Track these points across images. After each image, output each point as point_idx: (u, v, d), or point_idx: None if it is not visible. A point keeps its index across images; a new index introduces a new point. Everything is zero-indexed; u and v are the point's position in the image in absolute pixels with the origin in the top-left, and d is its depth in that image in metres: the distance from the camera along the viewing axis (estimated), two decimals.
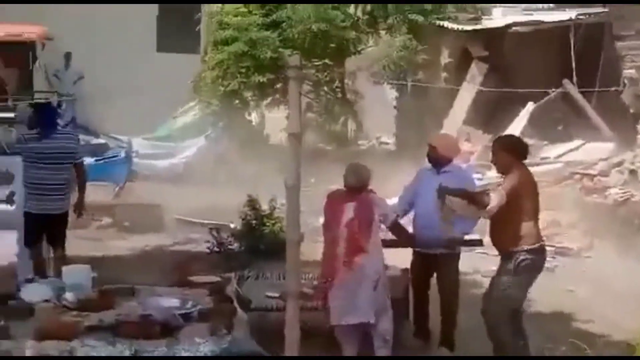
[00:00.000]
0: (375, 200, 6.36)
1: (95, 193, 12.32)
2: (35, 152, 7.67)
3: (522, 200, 6.28)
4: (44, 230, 7.86)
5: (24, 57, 12.69)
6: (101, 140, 14.83)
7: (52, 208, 7.72)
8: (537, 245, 6.32)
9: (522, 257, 6.28)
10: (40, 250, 7.89)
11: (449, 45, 15.97)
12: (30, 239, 7.85)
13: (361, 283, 6.16)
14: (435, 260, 7.11)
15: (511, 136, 7.11)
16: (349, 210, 6.27)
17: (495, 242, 6.47)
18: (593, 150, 13.37)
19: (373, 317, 6.22)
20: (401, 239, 6.65)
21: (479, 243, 7.28)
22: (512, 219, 6.26)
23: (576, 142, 13.73)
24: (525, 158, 6.53)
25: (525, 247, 6.27)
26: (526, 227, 6.27)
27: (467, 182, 6.97)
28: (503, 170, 6.49)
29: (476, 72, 15.09)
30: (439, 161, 7.08)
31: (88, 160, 13.12)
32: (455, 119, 14.99)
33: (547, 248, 10.30)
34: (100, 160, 13.53)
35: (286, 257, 5.06)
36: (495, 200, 6.19)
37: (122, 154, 13.97)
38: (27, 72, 12.93)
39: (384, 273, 6.40)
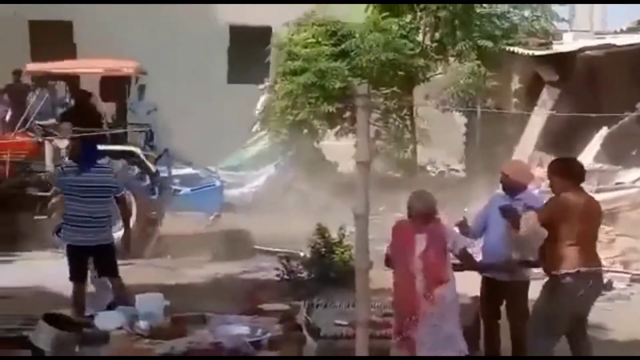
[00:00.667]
0: (445, 229, 6.33)
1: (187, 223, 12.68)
2: (72, 184, 7.82)
3: (561, 224, 6.28)
4: (84, 264, 7.88)
5: (122, 91, 13.05)
6: (194, 170, 15.05)
7: (87, 240, 7.80)
8: (573, 270, 6.23)
9: (556, 281, 6.32)
10: (82, 289, 7.87)
11: (519, 71, 15.84)
12: (72, 272, 7.88)
13: (445, 315, 6.07)
14: (505, 288, 7.03)
15: (565, 160, 6.97)
16: (420, 242, 6.16)
17: (542, 265, 6.55)
18: None
19: (466, 348, 6.16)
20: (469, 265, 6.60)
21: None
22: (553, 243, 6.35)
23: None
24: (580, 182, 6.50)
25: (563, 272, 6.26)
26: (566, 251, 6.25)
27: (537, 208, 6.88)
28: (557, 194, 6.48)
29: (547, 97, 14.93)
30: (512, 188, 7.06)
31: (185, 190, 13.54)
32: (526, 145, 14.82)
33: (623, 275, 10.33)
34: (196, 189, 13.72)
35: (355, 285, 5.07)
36: (523, 224, 6.38)
37: (217, 183, 14.14)
38: (123, 105, 13.30)
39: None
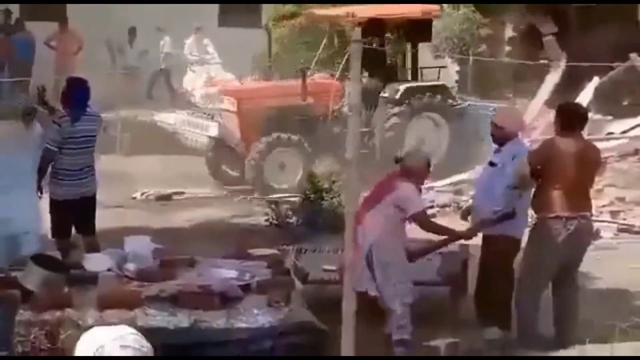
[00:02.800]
0: (400, 190, 6.29)
1: None
2: (67, 137, 7.35)
3: (549, 168, 6.29)
4: (71, 219, 7.54)
5: None
6: None
7: (75, 193, 7.44)
8: (553, 215, 6.24)
9: (539, 225, 6.38)
10: (67, 244, 7.44)
11: (514, 20, 15.73)
12: (59, 230, 7.50)
13: (357, 254, 6.09)
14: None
15: (569, 104, 6.97)
16: (374, 192, 6.46)
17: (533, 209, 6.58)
18: None
19: (371, 289, 6.23)
20: (434, 232, 6.64)
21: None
22: (540, 187, 6.38)
23: None
24: (580, 127, 6.50)
25: (544, 215, 6.31)
26: (550, 195, 6.26)
27: (515, 154, 6.65)
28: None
29: (553, 50, 14.73)
30: (501, 137, 6.78)
31: None
32: (539, 100, 14.70)
33: (611, 225, 10.38)
34: None
35: (345, 230, 5.08)
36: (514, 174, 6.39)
37: None
38: None
39: (399, 260, 6.34)
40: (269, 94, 12.88)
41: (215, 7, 19.16)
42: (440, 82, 13.31)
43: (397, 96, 12.77)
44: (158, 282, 5.89)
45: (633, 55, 13.84)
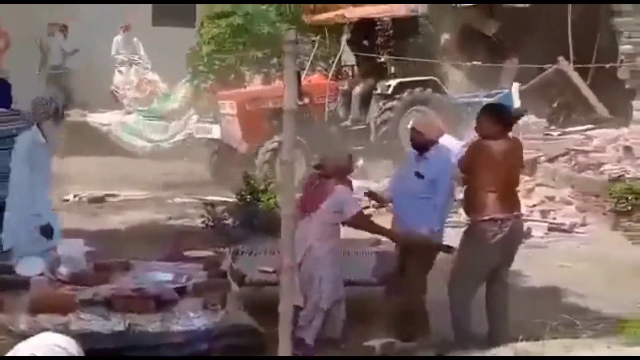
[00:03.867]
0: (334, 192, 6.22)
1: None
2: None
3: (480, 170, 6.31)
4: None
5: None
6: None
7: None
8: (488, 217, 6.27)
9: (473, 227, 6.40)
10: None
11: (450, 21, 15.93)
12: None
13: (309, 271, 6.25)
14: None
15: (494, 105, 7.00)
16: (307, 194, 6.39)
17: (464, 211, 6.62)
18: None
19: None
20: (372, 231, 6.66)
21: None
22: (472, 189, 6.40)
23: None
24: (507, 128, 6.48)
25: (479, 218, 6.32)
26: (484, 197, 6.27)
27: (445, 167, 6.60)
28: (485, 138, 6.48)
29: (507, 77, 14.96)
30: (421, 144, 6.61)
31: None
32: None
33: (541, 224, 10.59)
34: None
35: (281, 231, 5.08)
36: None
37: None
38: None
39: (330, 263, 6.29)
40: (267, 96, 13.23)
41: (148, 6, 18.98)
42: (430, 77, 13.79)
43: (389, 91, 13.33)
44: (92, 285, 5.80)
45: (561, 58, 14.15)
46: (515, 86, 14.03)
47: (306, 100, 12.84)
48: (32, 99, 6.93)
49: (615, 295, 8.04)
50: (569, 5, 14.11)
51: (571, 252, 9.86)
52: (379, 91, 13.48)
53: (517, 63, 14.86)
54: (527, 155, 12.29)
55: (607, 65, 13.77)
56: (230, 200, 10.54)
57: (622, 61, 13.79)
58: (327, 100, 13.31)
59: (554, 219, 10.93)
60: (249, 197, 9.80)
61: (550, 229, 10.61)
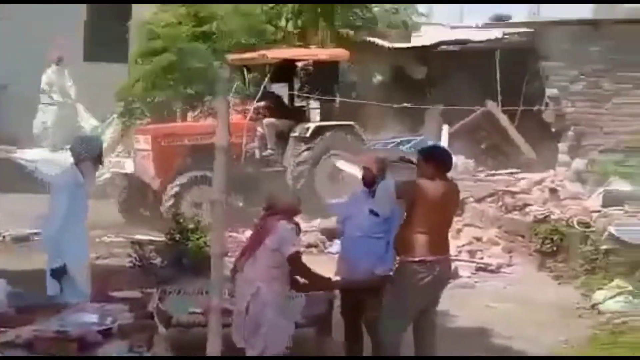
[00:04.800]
0: (276, 227, 6.09)
1: None
2: None
3: (413, 210, 6.30)
4: None
5: None
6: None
7: None
8: (418, 258, 6.26)
9: (403, 267, 6.34)
10: None
11: (382, 62, 16.15)
12: None
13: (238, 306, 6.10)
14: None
15: (433, 147, 7.00)
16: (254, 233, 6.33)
17: (395, 249, 6.49)
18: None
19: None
20: (309, 279, 6.34)
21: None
22: (404, 228, 6.35)
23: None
24: (446, 170, 6.49)
25: (409, 259, 6.27)
26: (415, 238, 6.25)
27: (393, 203, 6.57)
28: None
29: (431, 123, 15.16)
30: (371, 180, 6.69)
31: None
32: None
33: (469, 264, 10.75)
34: None
35: (211, 271, 5.04)
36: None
37: None
38: None
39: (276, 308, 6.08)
40: (182, 133, 13.16)
41: (80, 41, 18.82)
42: (348, 122, 13.81)
43: (307, 134, 13.32)
44: (14, 327, 5.66)
45: (489, 101, 14.47)
46: (445, 128, 14.29)
47: None
48: (73, 138, 6.82)
49: (541, 335, 8.18)
50: (497, 49, 14.46)
51: (498, 292, 10.00)
52: (297, 134, 13.50)
53: (441, 108, 15.05)
54: None
55: (534, 108, 14.14)
56: (159, 239, 10.43)
57: (547, 104, 14.17)
58: (245, 141, 13.17)
59: (482, 259, 11.10)
60: (177, 236, 9.69)
61: (477, 269, 10.77)
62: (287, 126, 13.59)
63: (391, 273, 6.49)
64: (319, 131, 13.42)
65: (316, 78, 14.24)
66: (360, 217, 6.59)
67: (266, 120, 13.53)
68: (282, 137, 13.48)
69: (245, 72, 14.41)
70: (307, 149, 13.29)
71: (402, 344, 6.57)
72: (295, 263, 6.10)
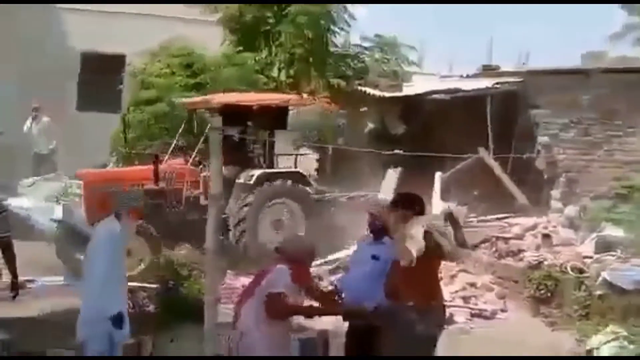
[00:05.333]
0: (272, 272, 6.11)
1: None
2: None
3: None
4: None
5: None
6: None
7: None
8: (407, 304, 6.30)
9: (399, 314, 6.35)
10: None
11: (372, 111, 16.27)
12: None
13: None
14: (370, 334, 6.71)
15: (409, 194, 6.97)
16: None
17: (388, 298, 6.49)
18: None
19: None
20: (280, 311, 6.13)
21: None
22: (392, 274, 6.40)
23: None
24: (422, 214, 6.55)
25: (399, 304, 6.31)
26: (402, 284, 6.28)
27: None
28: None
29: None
30: (379, 230, 6.87)
31: None
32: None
33: (463, 310, 10.71)
34: None
35: (204, 317, 5.03)
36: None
37: None
38: None
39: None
40: (119, 177, 12.73)
41: (74, 92, 18.96)
42: (295, 169, 13.53)
43: (251, 181, 12.84)
44: None
45: (481, 149, 14.55)
46: (438, 175, 14.30)
47: (162, 184, 12.46)
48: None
49: None
50: (488, 98, 14.59)
51: (493, 338, 9.96)
52: (242, 180, 13.01)
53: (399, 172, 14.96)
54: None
55: (525, 156, 14.22)
56: (152, 286, 10.38)
57: (539, 152, 14.26)
58: (186, 187, 12.75)
59: (476, 304, 11.06)
60: (171, 283, 9.67)
61: (472, 315, 10.73)
62: (234, 173, 13.09)
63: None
64: (265, 178, 12.91)
65: (264, 123, 13.50)
66: (362, 263, 6.83)
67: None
68: (229, 184, 12.77)
69: (194, 117, 14.01)
70: (247, 205, 12.73)
71: None
72: (273, 303, 5.95)
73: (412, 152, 14.39)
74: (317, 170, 17.84)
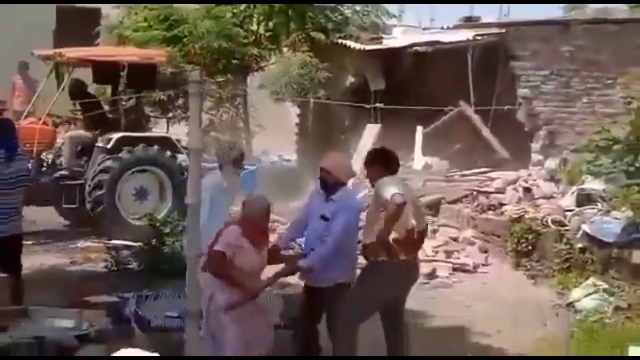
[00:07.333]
0: (224, 232, 6.01)
1: None
2: (2, 178, 7.04)
3: (375, 216, 6.31)
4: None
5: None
6: None
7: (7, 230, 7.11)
8: (383, 259, 6.29)
9: (366, 269, 6.40)
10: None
11: (352, 65, 16.13)
12: None
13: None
14: (322, 294, 6.50)
15: (382, 149, 6.89)
16: None
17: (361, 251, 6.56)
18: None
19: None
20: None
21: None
22: (367, 233, 6.39)
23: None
24: (396, 172, 6.52)
25: (376, 259, 6.32)
26: (380, 241, 6.24)
27: (353, 211, 6.57)
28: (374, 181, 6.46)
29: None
30: (330, 185, 6.48)
31: None
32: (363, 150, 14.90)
33: (445, 264, 10.77)
34: None
35: (186, 275, 5.01)
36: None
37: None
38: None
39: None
40: None
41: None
42: (164, 134, 12.74)
43: (109, 146, 11.77)
44: None
45: (461, 102, 14.51)
46: (419, 129, 14.30)
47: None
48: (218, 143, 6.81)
49: (518, 333, 8.21)
50: (469, 50, 14.51)
51: (475, 291, 10.03)
52: (100, 144, 11.86)
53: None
54: (431, 196, 12.58)
55: (506, 108, 14.20)
56: (135, 244, 10.34)
57: (520, 104, 14.24)
58: (37, 148, 11.56)
59: (458, 259, 11.12)
60: (154, 240, 9.64)
61: (454, 269, 10.79)
62: (92, 135, 12.08)
63: (317, 270, 6.37)
64: (125, 142, 11.75)
65: (133, 81, 12.22)
66: (313, 220, 6.52)
67: (69, 133, 12.19)
68: (87, 147, 12.00)
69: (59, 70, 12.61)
70: (109, 160, 11.65)
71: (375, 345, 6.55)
72: (210, 260, 5.85)
73: (393, 106, 14.36)
74: (297, 124, 17.79)
